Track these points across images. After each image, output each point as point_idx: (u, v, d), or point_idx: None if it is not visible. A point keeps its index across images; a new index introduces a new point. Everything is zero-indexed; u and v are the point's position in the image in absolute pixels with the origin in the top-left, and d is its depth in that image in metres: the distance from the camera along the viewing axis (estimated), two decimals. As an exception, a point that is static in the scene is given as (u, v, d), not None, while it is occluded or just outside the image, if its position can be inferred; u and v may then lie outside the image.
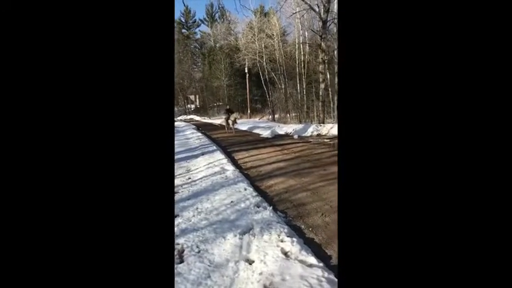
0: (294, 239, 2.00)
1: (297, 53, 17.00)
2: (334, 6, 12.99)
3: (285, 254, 1.86)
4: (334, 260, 1.85)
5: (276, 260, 1.78)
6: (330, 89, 13.36)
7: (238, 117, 11.33)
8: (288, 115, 17.47)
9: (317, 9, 11.24)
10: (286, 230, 2.16)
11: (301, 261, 1.75)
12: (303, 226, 2.40)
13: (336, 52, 13.24)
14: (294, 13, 13.91)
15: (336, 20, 12.52)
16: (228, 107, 13.53)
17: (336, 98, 13.47)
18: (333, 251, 1.96)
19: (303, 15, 13.74)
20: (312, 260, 1.76)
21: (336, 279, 1.58)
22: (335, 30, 13.33)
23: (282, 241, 2.00)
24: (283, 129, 10.29)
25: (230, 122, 11.03)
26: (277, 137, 9.03)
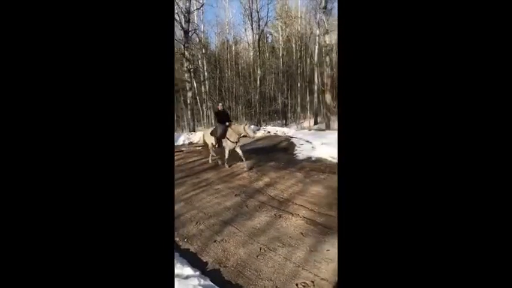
0: (169, 255, 1.95)
1: (161, 60, 16.45)
2: (195, 18, 13.40)
3: (160, 272, 1.79)
4: (210, 265, 1.93)
5: (150, 281, 1.69)
6: (197, 97, 13.60)
7: (253, 131, 5.46)
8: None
9: (178, 19, 11.26)
10: (160, 248, 2.07)
11: (178, 275, 1.73)
12: (178, 239, 2.37)
13: (200, 62, 13.66)
14: (154, 19, 13.35)
15: (197, 31, 12.93)
16: (219, 107, 5.24)
17: (204, 106, 13.89)
18: (208, 257, 2.03)
19: (164, 23, 13.35)
20: (188, 270, 1.77)
21: (212, 284, 1.66)
22: (197, 40, 13.74)
23: (155, 260, 1.91)
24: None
25: (229, 143, 4.78)
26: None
